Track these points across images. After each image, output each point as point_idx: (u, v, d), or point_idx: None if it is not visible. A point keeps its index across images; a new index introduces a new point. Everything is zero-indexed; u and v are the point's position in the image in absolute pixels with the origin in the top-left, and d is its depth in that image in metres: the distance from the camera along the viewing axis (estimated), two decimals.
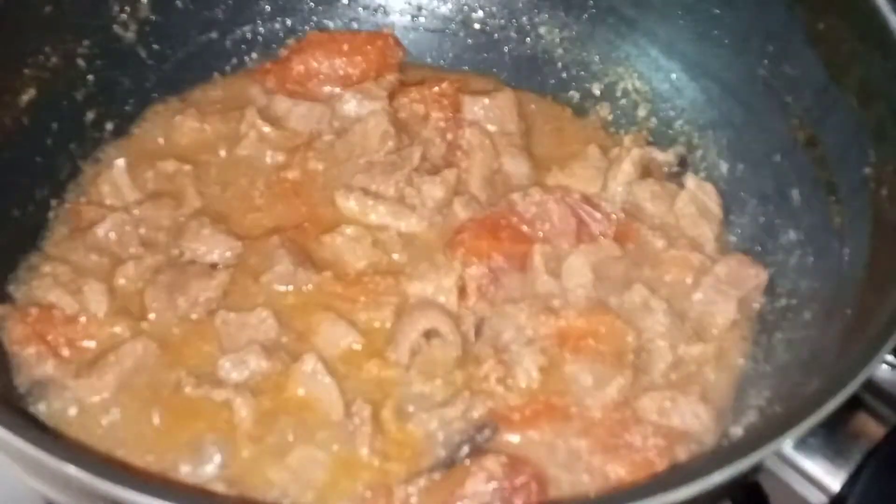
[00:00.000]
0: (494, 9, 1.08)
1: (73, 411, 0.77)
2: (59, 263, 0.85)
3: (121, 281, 0.85)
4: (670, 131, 1.01)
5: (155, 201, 0.90)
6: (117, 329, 0.82)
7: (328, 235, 0.88)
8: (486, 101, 1.00)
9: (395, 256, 0.88)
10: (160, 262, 0.86)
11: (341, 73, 1.01)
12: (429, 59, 1.08)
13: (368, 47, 1.02)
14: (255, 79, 1.03)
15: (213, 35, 1.04)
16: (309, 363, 0.78)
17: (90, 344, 0.81)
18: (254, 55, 1.06)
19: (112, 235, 0.87)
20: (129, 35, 0.99)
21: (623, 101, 1.04)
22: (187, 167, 0.93)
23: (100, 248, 0.87)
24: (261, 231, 0.89)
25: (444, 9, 1.10)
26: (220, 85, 1.03)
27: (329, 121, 0.97)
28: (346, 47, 1.02)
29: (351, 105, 0.97)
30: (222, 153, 0.95)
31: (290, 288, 0.85)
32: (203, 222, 0.87)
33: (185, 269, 0.84)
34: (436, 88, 0.99)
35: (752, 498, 0.79)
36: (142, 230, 0.88)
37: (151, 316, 0.83)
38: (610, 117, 1.03)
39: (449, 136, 0.97)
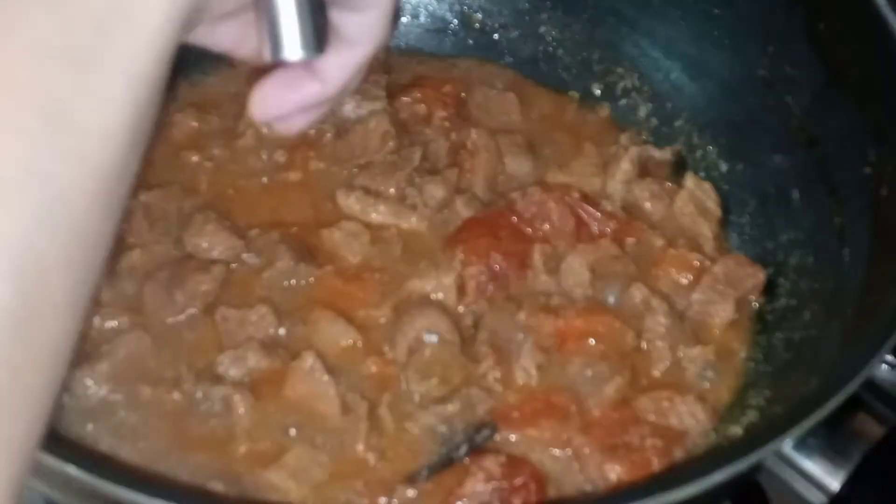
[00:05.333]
0: (494, 9, 1.09)
1: (66, 403, 0.77)
2: None
3: (124, 266, 0.84)
4: (670, 131, 1.01)
5: (163, 189, 0.90)
6: (116, 322, 0.81)
7: (326, 230, 0.88)
8: (491, 100, 1.00)
9: (396, 254, 0.88)
10: (165, 253, 0.86)
11: None
12: (428, 60, 1.08)
13: None
14: (255, 78, 1.03)
15: None
16: (308, 360, 0.78)
17: (92, 334, 0.80)
18: None
19: (123, 225, 0.87)
20: None
21: (623, 101, 1.04)
22: (208, 163, 0.93)
23: None
24: (263, 228, 0.89)
25: (444, 8, 1.10)
26: (219, 85, 1.03)
27: (330, 122, 0.97)
28: None
29: (350, 106, 0.97)
30: (222, 149, 0.95)
31: (292, 283, 0.85)
32: (209, 216, 0.87)
33: (184, 264, 0.84)
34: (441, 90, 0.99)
35: (752, 497, 0.79)
36: (150, 217, 0.88)
37: (149, 311, 0.82)
38: (610, 117, 1.04)
39: (453, 136, 0.97)
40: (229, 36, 0.64)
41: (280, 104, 0.65)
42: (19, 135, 0.40)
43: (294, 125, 0.66)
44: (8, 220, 0.39)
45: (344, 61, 0.62)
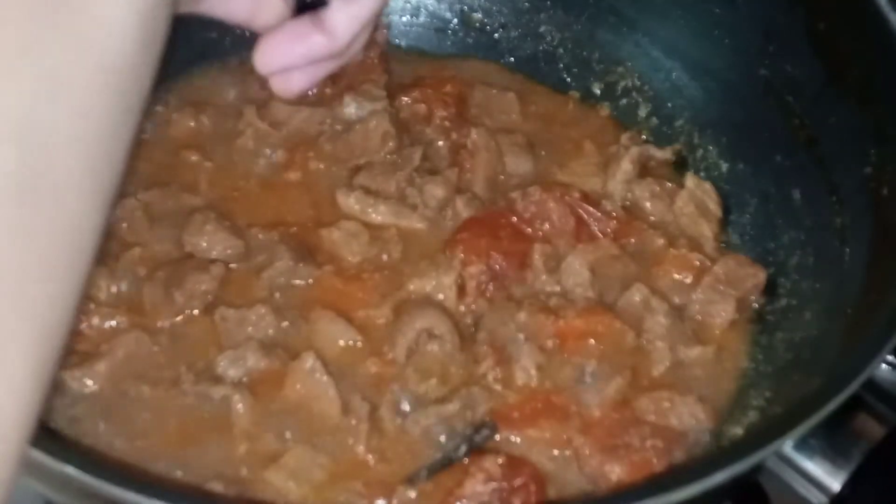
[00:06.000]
0: (494, 8, 1.08)
1: (65, 402, 0.77)
2: None
3: (124, 265, 0.84)
4: (671, 131, 1.01)
5: (163, 188, 0.90)
6: (115, 322, 0.81)
7: (325, 230, 0.88)
8: (491, 100, 1.00)
9: (395, 254, 0.88)
10: (165, 252, 0.86)
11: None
12: (428, 59, 1.08)
13: None
14: (254, 78, 1.03)
15: (213, 35, 1.04)
16: (308, 361, 0.78)
17: (91, 333, 0.80)
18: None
19: (124, 224, 0.87)
20: None
21: (624, 101, 1.04)
22: (208, 163, 0.93)
23: (108, 233, 0.86)
24: (263, 228, 0.89)
25: (444, 8, 1.10)
26: (219, 84, 1.03)
27: (331, 123, 0.97)
28: None
29: (350, 107, 0.97)
30: (221, 150, 0.95)
31: (291, 283, 0.85)
32: (208, 216, 0.87)
33: (183, 264, 0.84)
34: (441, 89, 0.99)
35: (753, 498, 0.79)
36: (150, 217, 0.88)
37: (149, 311, 0.82)
38: (610, 117, 1.03)
39: (453, 136, 0.97)
40: (243, 5, 0.64)
41: (285, 55, 0.65)
42: (14, 10, 0.39)
43: (295, 83, 0.66)
44: (6, 84, 0.39)
45: (351, 13, 0.62)
